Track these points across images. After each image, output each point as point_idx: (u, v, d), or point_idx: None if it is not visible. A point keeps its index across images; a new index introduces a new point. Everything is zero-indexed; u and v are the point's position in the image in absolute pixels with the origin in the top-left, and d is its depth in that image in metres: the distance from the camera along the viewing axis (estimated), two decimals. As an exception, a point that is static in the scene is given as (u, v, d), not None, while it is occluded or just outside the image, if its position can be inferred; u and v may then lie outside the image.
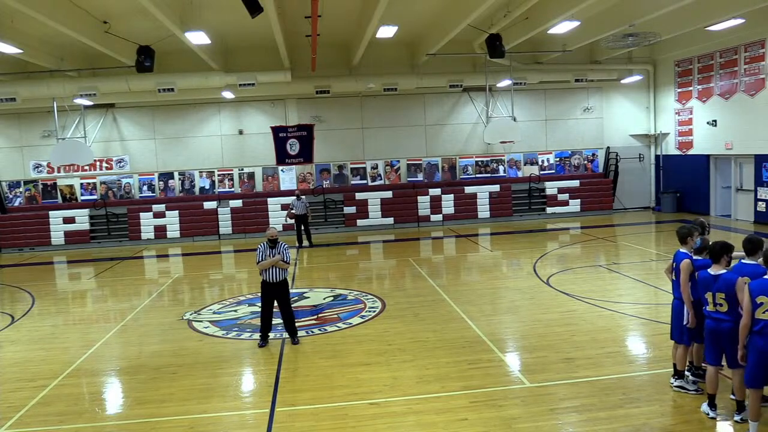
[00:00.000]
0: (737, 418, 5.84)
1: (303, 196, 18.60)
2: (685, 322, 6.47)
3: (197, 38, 14.19)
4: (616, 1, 15.64)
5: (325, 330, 9.68)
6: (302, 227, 18.28)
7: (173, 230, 21.16)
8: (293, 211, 18.15)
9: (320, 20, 13.31)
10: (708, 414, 5.98)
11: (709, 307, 5.92)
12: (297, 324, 9.29)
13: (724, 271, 5.85)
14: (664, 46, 20.85)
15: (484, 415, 6.28)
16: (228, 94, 20.37)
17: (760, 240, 6.00)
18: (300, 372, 7.88)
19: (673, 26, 17.05)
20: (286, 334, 9.15)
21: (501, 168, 22.86)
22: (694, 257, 6.48)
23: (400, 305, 10.95)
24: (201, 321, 10.59)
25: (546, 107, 23.02)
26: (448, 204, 21.93)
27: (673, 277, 6.72)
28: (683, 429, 5.88)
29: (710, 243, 6.16)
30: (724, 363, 5.99)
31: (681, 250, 6.62)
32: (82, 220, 21.01)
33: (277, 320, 9.22)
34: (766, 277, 5.46)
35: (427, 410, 6.48)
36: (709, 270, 5.95)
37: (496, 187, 22.14)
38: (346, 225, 21.72)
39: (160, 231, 21.07)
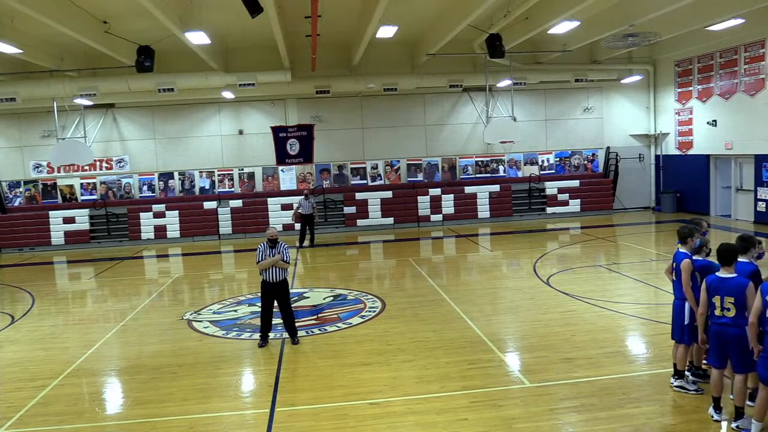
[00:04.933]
0: (734, 425, 5.76)
1: (311, 196, 18.55)
2: (686, 322, 6.48)
3: (197, 38, 14.18)
4: (616, 1, 15.63)
5: (325, 330, 9.68)
6: (307, 227, 18.27)
7: (173, 230, 21.15)
8: (300, 211, 18.12)
9: (320, 20, 13.31)
10: (713, 417, 5.94)
11: (717, 312, 5.82)
12: (297, 324, 9.29)
13: (735, 274, 5.74)
14: (664, 46, 20.85)
15: (484, 415, 6.28)
16: (228, 94, 20.37)
17: (751, 237, 6.07)
18: (300, 372, 7.88)
19: (673, 26, 17.05)
20: (286, 334, 9.14)
21: (501, 168, 22.86)
22: (694, 257, 6.50)
23: (400, 305, 10.95)
24: (201, 321, 10.58)
25: (546, 107, 23.02)
26: (448, 204, 21.92)
27: (674, 278, 6.73)
28: (683, 429, 5.88)
29: (719, 245, 5.95)
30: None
31: (681, 250, 6.63)
32: (82, 220, 21.00)
33: (277, 320, 9.22)
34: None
35: (427, 410, 6.48)
36: (717, 273, 5.86)
37: (496, 187, 22.15)
38: (346, 225, 21.72)
39: (160, 231, 21.06)
